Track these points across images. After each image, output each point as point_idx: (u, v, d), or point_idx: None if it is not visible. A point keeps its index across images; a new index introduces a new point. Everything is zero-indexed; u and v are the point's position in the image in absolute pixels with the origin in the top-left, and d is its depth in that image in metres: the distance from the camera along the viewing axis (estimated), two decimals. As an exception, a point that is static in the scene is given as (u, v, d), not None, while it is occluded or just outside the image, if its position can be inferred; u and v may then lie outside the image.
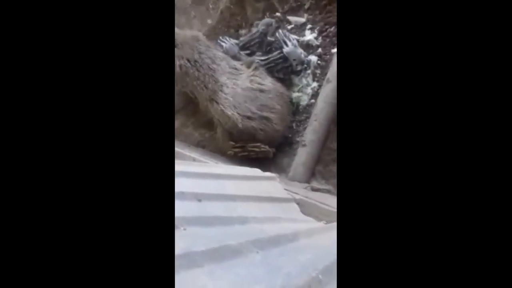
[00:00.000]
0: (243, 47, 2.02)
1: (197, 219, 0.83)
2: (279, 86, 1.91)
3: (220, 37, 2.05)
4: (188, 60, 1.90)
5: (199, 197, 0.99)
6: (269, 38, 1.98)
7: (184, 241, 0.65)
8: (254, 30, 2.02)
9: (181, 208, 0.84)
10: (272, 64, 1.91)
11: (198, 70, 1.89)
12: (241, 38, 2.06)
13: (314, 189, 1.87)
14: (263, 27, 1.96)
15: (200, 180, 1.14)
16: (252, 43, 1.99)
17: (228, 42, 2.01)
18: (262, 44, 1.98)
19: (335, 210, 1.62)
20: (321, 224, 1.40)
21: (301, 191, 1.75)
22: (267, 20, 2.00)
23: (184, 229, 0.73)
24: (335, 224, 1.38)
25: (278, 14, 2.05)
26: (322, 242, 1.01)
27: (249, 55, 2.02)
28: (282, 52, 1.88)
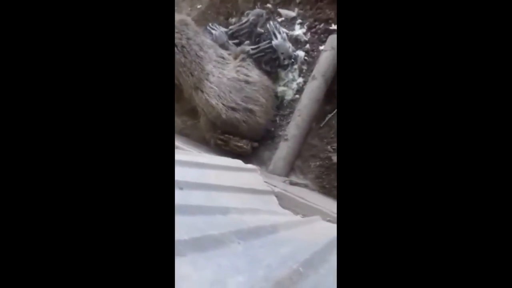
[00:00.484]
0: (232, 36, 1.99)
1: (178, 208, 0.82)
2: (265, 79, 1.90)
3: (210, 24, 2.01)
4: (175, 45, 1.85)
5: (180, 185, 0.98)
6: (259, 29, 1.96)
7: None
8: (244, 19, 1.99)
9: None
10: (262, 54, 1.89)
11: (185, 56, 1.85)
12: (231, 27, 2.03)
13: (293, 183, 1.90)
14: (253, 17, 1.94)
15: (182, 168, 1.12)
16: (242, 32, 1.96)
17: (218, 30, 1.98)
18: (252, 34, 1.96)
19: (312, 204, 1.66)
20: (298, 217, 1.43)
21: (280, 184, 1.77)
22: (258, 10, 1.98)
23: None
24: (312, 218, 1.42)
25: (269, 5, 2.03)
26: (301, 236, 1.03)
27: (237, 44, 1.99)
28: (271, 43, 1.87)
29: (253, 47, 1.91)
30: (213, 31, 1.97)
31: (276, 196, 1.58)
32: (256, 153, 1.95)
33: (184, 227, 0.69)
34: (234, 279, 0.57)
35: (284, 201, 1.58)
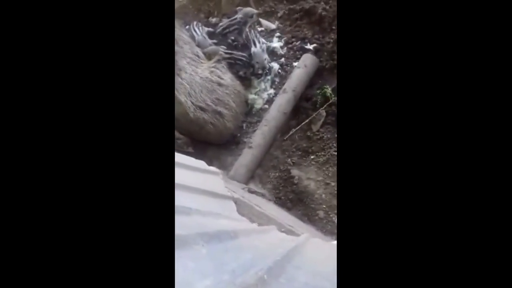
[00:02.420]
0: (221, 32, 1.94)
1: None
2: (237, 84, 1.91)
3: (194, 24, 1.96)
4: None
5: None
6: (247, 29, 1.94)
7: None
8: (236, 16, 1.95)
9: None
10: (238, 58, 1.89)
11: None
12: (220, 24, 1.98)
13: (251, 191, 1.92)
14: (242, 16, 1.91)
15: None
16: (231, 28, 1.93)
17: (200, 34, 1.93)
18: (241, 32, 1.93)
19: (268, 214, 1.68)
20: (255, 225, 1.44)
21: (239, 190, 1.77)
22: (249, 9, 1.96)
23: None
24: (269, 227, 1.43)
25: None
26: (259, 243, 1.04)
27: (223, 43, 1.94)
28: (249, 50, 1.89)
29: (227, 50, 1.91)
30: (196, 36, 1.92)
31: (235, 202, 1.57)
32: (218, 156, 1.93)
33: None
34: (201, 283, 0.56)
35: (241, 208, 1.58)
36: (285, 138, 1.95)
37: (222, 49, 1.93)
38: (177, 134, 1.85)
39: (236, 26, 1.93)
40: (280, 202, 1.96)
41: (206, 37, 1.95)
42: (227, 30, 1.94)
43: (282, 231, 1.53)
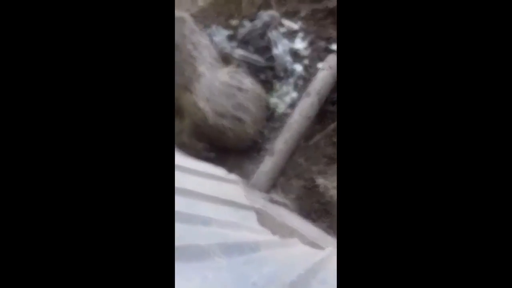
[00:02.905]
0: (243, 39, 1.87)
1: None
2: (258, 88, 1.83)
3: (214, 27, 1.92)
4: None
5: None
6: (269, 32, 1.85)
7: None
8: (256, 21, 1.89)
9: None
10: (258, 61, 1.81)
11: (177, 55, 1.74)
12: (242, 31, 1.92)
13: (273, 201, 1.82)
14: (267, 18, 1.84)
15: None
16: (254, 34, 1.86)
17: (220, 36, 1.87)
18: (263, 36, 1.85)
19: (291, 225, 1.59)
20: (277, 237, 1.36)
21: (260, 200, 1.69)
22: (271, 12, 1.89)
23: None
24: (292, 240, 1.34)
25: (273, 13, 1.99)
26: (281, 257, 0.97)
27: (245, 47, 1.87)
28: (271, 52, 1.81)
29: (245, 53, 1.83)
30: (214, 37, 1.86)
31: (256, 213, 1.49)
32: (239, 163, 1.85)
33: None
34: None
35: (262, 218, 1.50)
36: (309, 144, 1.85)
37: (240, 52, 1.86)
38: (195, 140, 1.80)
39: (258, 31, 1.86)
40: (304, 213, 1.85)
41: (226, 40, 1.90)
42: (249, 37, 1.86)
43: (306, 244, 1.44)
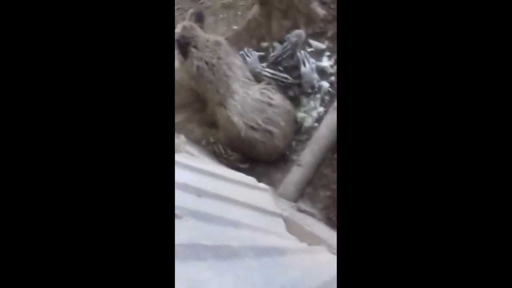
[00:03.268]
0: (274, 61, 2.01)
1: (196, 213, 0.84)
2: (287, 103, 1.96)
3: (246, 49, 2.08)
4: (206, 63, 1.92)
5: (199, 193, 1.00)
6: (298, 52, 1.97)
7: (188, 232, 0.66)
8: (285, 43, 2.01)
9: (182, 199, 0.85)
10: (288, 79, 1.93)
11: (213, 74, 1.92)
12: (273, 54, 2.05)
13: (300, 210, 1.89)
14: (295, 38, 1.97)
15: (200, 176, 1.15)
16: (284, 55, 1.99)
17: (252, 57, 2.04)
18: (293, 55, 1.97)
19: (318, 234, 1.64)
20: (304, 245, 1.42)
21: (288, 208, 1.77)
22: (298, 31, 2.01)
23: (187, 221, 0.74)
24: (318, 248, 1.41)
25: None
26: (309, 263, 1.03)
27: (274, 67, 2.01)
28: (299, 71, 1.93)
29: (274, 71, 1.97)
30: (247, 58, 2.03)
31: (284, 220, 1.57)
32: (267, 173, 1.96)
33: (203, 233, 0.71)
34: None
35: (290, 226, 1.57)
36: (335, 156, 1.92)
37: (270, 71, 1.99)
38: (230, 151, 1.93)
39: (288, 52, 1.99)
40: (331, 223, 1.90)
41: (257, 60, 2.05)
42: (280, 58, 2.00)
43: (333, 253, 1.49)
